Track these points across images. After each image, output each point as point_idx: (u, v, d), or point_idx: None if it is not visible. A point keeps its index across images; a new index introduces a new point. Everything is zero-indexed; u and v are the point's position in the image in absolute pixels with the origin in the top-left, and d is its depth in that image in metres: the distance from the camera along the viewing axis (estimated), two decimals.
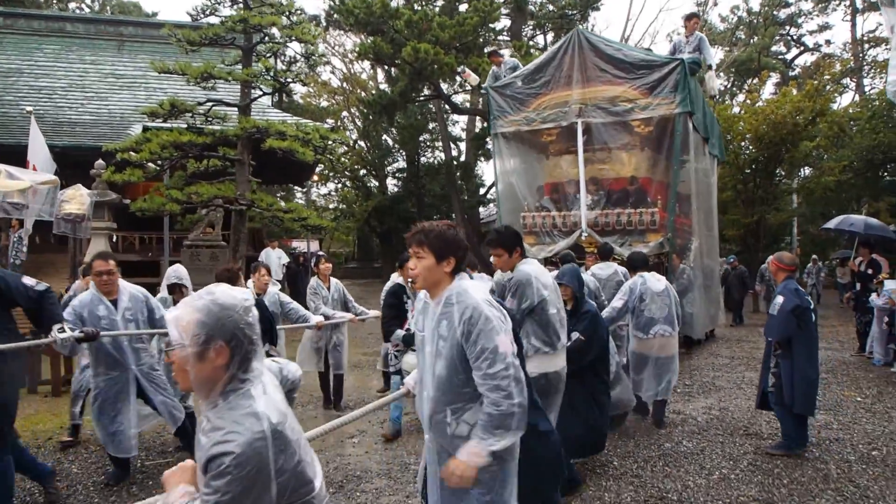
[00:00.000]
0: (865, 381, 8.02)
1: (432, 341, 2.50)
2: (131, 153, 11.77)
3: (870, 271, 9.73)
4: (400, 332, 5.47)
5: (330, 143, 11.96)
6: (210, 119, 12.22)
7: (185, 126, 11.65)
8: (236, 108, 12.37)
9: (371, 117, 31.21)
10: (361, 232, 37.57)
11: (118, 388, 4.73)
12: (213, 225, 14.71)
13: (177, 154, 11.18)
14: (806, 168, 24.45)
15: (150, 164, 12.20)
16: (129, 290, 4.93)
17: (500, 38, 24.77)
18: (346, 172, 35.24)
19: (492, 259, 4.05)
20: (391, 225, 32.51)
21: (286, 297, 6.51)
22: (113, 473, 4.83)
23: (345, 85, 36.15)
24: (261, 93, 12.34)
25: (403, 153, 35.22)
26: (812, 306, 5.27)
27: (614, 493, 4.42)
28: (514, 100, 10.36)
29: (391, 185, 37.53)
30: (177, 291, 5.56)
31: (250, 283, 6.43)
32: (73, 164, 13.70)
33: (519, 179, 10.99)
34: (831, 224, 11.86)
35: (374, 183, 36.56)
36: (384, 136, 35.76)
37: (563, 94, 9.81)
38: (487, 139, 21.32)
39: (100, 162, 12.19)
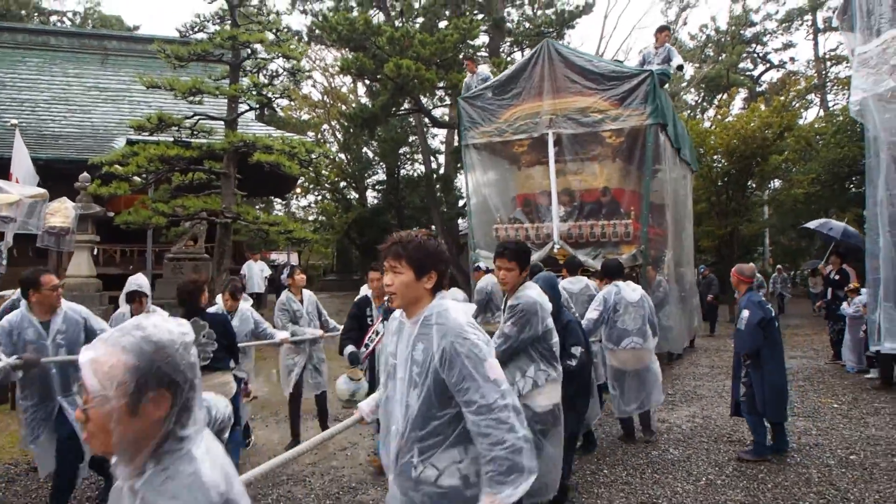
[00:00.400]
0: (841, 388, 8.36)
1: (405, 367, 2.17)
2: (117, 166, 11.79)
3: (837, 278, 10.16)
4: (350, 349, 5.19)
5: (314, 156, 12.07)
6: (195, 132, 12.30)
7: (172, 140, 11.66)
8: (222, 122, 12.44)
9: (352, 130, 31.45)
10: (341, 244, 37.63)
11: (41, 416, 4.39)
12: (195, 238, 14.72)
13: (163, 167, 11.22)
14: (776, 180, 25.15)
15: (135, 178, 12.21)
16: (64, 310, 4.45)
17: (479, 54, 25.18)
18: (327, 184, 35.36)
19: (499, 272, 3.77)
20: (371, 237, 32.72)
21: (258, 317, 6.06)
22: (106, 487, 4.61)
23: (325, 98, 36.36)
24: (247, 108, 12.45)
25: (383, 165, 35.50)
26: (774, 315, 5.59)
27: (606, 499, 4.61)
28: (484, 111, 10.29)
29: (371, 197, 37.79)
30: (136, 300, 5.10)
31: (219, 298, 6.10)
32: (56, 177, 13.60)
33: (491, 191, 10.88)
34: (812, 224, 12.48)
35: (353, 195, 36.76)
36: (364, 149, 36.03)
37: (534, 106, 9.76)
38: None
39: (84, 175, 12.14)
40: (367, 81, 28.29)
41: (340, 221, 33.03)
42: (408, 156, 36.41)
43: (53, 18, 38.76)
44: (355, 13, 29.76)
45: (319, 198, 40.53)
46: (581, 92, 9.50)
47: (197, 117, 11.96)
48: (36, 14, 37.18)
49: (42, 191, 8.55)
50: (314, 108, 37.63)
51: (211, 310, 5.33)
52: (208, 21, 11.83)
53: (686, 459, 5.46)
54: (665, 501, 4.51)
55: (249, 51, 12.13)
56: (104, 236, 14.26)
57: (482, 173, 10.85)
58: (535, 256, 9.26)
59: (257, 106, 13.05)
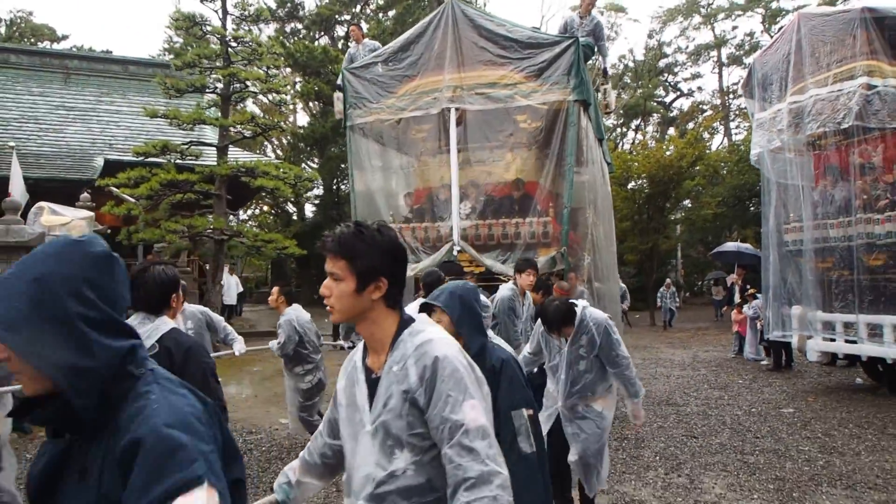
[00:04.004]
0: (744, 371, 10.72)
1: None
2: (112, 188, 12.94)
3: (748, 287, 12.71)
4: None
5: (300, 180, 13.60)
6: (185, 156, 13.58)
7: (175, 163, 12.85)
8: (214, 148, 13.81)
9: (294, 148, 32.92)
10: (261, 255, 38.44)
11: None
12: (179, 253, 15.82)
13: (169, 191, 12.46)
14: (688, 202, 28.33)
15: (128, 198, 13.36)
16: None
17: None
18: (267, 199, 36.37)
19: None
20: (310, 250, 34.10)
21: None
22: None
23: (266, 116, 37.43)
24: (242, 136, 13.87)
25: (320, 181, 36.87)
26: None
27: None
28: (374, 85, 8.57)
29: (309, 211, 39.02)
30: None
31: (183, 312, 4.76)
32: (42, 196, 14.47)
33: (381, 186, 9.17)
34: (731, 247, 15.33)
35: (292, 209, 37.95)
36: (302, 165, 37.31)
37: (435, 80, 8.19)
38: None
39: (85, 195, 13.16)
40: (321, 104, 29.77)
41: (285, 235, 34.12)
42: (345, 171, 37.96)
43: None
44: (302, 34, 31.37)
45: (258, 212, 41.42)
46: (492, 62, 8.04)
47: (191, 143, 13.28)
48: None
49: (90, 213, 9.75)
50: (243, 123, 38.60)
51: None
52: (205, 59, 13.13)
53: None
54: (633, 436, 6.49)
55: (244, 85, 13.54)
56: None
57: (370, 163, 9.01)
58: (428, 262, 7.85)
59: (251, 135, 14.43)
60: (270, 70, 13.54)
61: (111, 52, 33.59)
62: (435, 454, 1.62)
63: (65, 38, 40.83)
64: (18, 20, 39.97)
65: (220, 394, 2.87)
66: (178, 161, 13.46)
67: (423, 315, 1.89)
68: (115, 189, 13.24)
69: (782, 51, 8.96)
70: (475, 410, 1.58)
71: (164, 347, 2.69)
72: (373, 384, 1.70)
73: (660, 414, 7.55)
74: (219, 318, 5.67)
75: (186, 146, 13.26)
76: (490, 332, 2.94)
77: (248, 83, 13.38)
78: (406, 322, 1.73)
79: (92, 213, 9.77)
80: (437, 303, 2.63)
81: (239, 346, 5.74)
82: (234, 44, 13.24)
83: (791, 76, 8.53)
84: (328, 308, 1.70)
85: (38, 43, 37.15)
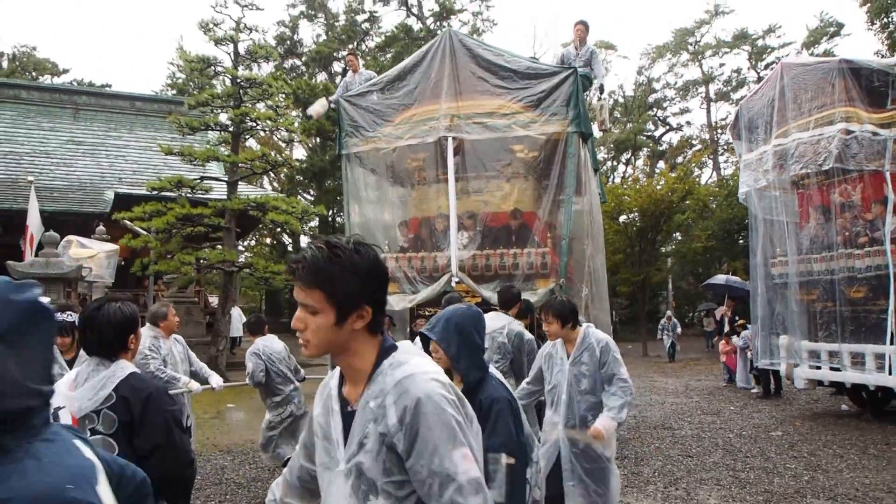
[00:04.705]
0: (734, 399, 11.22)
1: None
2: (126, 221, 13.41)
3: (737, 318, 13.27)
4: None
5: (308, 214, 14.13)
6: (195, 191, 14.10)
7: (187, 197, 13.37)
8: (224, 183, 14.35)
9: (291, 181, 33.60)
10: (270, 287, 38.90)
11: None
12: (187, 284, 16.24)
13: (182, 224, 12.95)
14: (678, 235, 29.08)
15: (142, 231, 13.84)
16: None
17: None
18: (264, 231, 36.91)
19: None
20: None
21: None
22: None
23: (264, 149, 38.18)
24: (251, 172, 14.43)
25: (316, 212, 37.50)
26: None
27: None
28: (370, 113, 8.51)
29: (304, 242, 39.59)
30: None
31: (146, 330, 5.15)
32: (57, 228, 14.93)
33: (377, 215, 9.18)
34: (721, 279, 15.92)
35: (288, 240, 38.55)
36: (299, 197, 37.97)
37: (432, 109, 8.12)
38: None
39: (101, 227, 13.63)
40: (319, 139, 30.52)
41: (281, 266, 34.53)
42: (342, 203, 38.52)
43: None
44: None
45: (254, 243, 41.92)
46: (489, 91, 8.01)
47: (203, 178, 13.82)
48: None
49: (114, 246, 10.21)
50: (254, 160, 39.33)
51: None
52: (219, 98, 13.74)
53: (639, 438, 7.96)
54: (632, 454, 6.96)
55: (254, 124, 14.15)
56: None
57: (366, 193, 9.03)
58: (427, 292, 7.86)
59: (261, 171, 14.98)
60: (279, 109, 14.17)
61: (111, 86, 34.49)
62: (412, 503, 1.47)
63: (66, 71, 41.59)
64: (21, 55, 40.81)
65: (186, 445, 2.60)
66: (188, 195, 13.97)
67: (407, 343, 1.64)
68: (128, 223, 13.73)
69: (767, 97, 9.65)
70: (467, 461, 1.41)
71: (120, 397, 2.41)
72: (348, 417, 1.54)
73: (656, 437, 8.02)
74: (193, 354, 5.93)
75: (198, 181, 13.79)
76: (491, 367, 2.77)
77: (258, 121, 13.99)
78: (387, 350, 1.55)
79: (116, 247, 10.23)
80: (433, 335, 2.49)
81: (216, 380, 5.95)
82: (244, 84, 13.85)
83: (775, 120, 9.19)
84: (301, 342, 1.52)
85: (41, 77, 37.90)
